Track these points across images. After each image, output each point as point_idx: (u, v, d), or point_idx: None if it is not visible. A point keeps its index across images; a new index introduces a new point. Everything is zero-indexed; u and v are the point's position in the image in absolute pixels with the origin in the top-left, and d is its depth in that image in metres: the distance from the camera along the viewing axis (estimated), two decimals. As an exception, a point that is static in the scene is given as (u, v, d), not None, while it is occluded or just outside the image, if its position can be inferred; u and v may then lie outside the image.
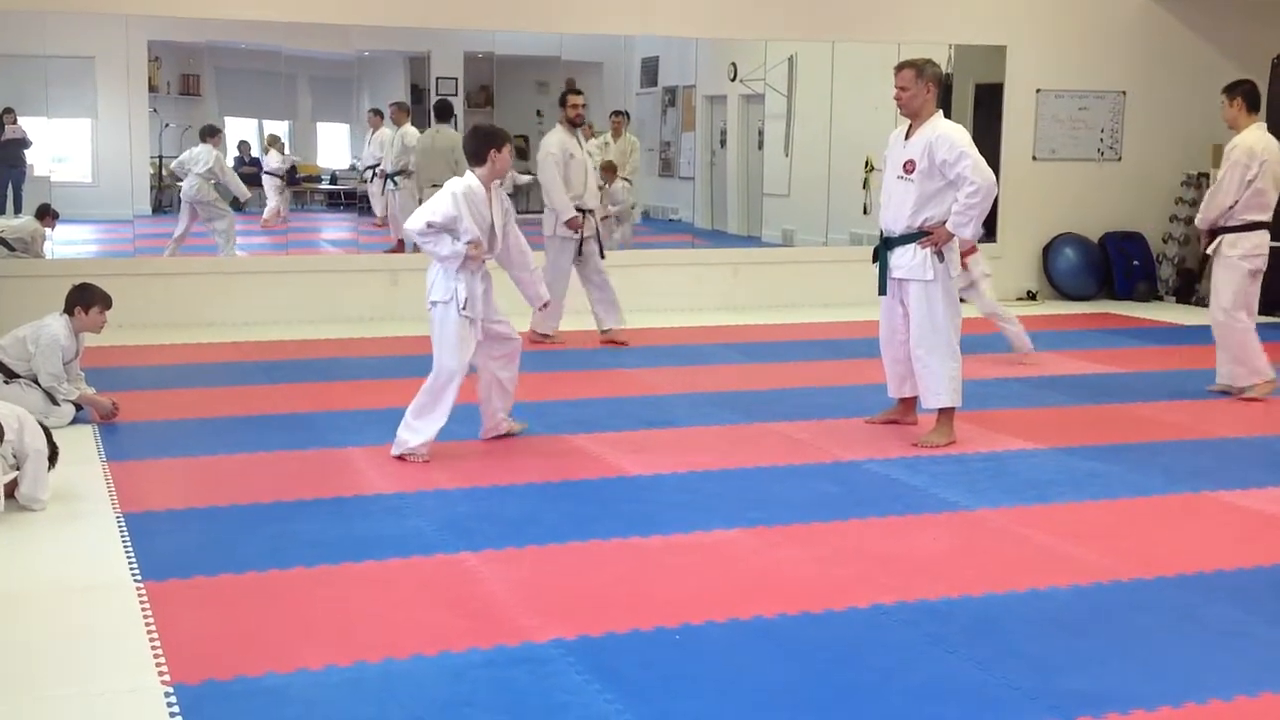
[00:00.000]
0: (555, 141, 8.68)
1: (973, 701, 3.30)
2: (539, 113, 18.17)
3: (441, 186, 5.87)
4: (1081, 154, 11.53)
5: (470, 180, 5.73)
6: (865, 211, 13.16)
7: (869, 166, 13.04)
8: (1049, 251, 11.69)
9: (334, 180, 16.16)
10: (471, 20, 10.52)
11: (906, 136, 6.05)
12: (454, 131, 11.69)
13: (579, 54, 16.11)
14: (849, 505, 5.07)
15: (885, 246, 6.11)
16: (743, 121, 15.50)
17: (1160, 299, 11.70)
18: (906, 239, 5.99)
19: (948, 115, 12.74)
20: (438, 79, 15.71)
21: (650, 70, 15.50)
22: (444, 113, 11.52)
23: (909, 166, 5.95)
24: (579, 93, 9.08)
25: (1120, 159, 11.78)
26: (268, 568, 4.24)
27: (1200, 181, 11.72)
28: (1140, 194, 11.78)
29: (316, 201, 16.52)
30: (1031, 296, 11.66)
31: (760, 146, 15.09)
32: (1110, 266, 11.71)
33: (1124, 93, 11.76)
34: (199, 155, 11.82)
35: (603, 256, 8.89)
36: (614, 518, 4.88)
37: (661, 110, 15.60)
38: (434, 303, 5.82)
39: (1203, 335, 9.69)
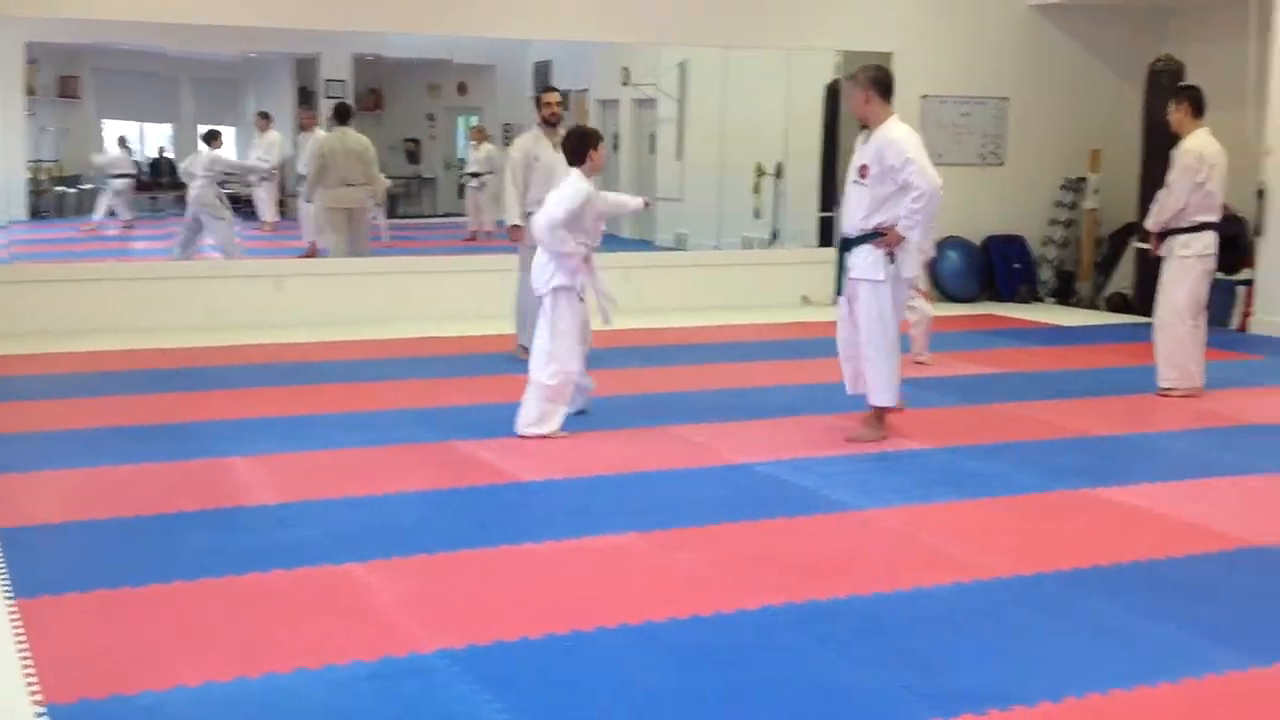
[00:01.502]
0: (519, 144, 8.28)
1: (860, 701, 3.34)
2: (430, 116, 18.08)
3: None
4: (965, 159, 11.76)
5: (582, 180, 6.23)
6: (756, 215, 13.29)
7: (760, 171, 13.17)
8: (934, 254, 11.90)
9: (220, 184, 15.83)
10: (359, 22, 10.37)
11: (863, 142, 6.19)
12: (359, 134, 11.59)
13: (471, 57, 16.07)
14: (740, 508, 5.10)
15: (843, 248, 6.27)
16: (635, 126, 15.55)
17: (1040, 300, 11.98)
18: (862, 240, 6.13)
19: (834, 120, 12.96)
20: (326, 81, 15.53)
21: (544, 74, 15.45)
22: (344, 115, 11.41)
23: (863, 171, 6.12)
24: (553, 90, 8.46)
25: (1002, 164, 12.04)
26: (147, 582, 4.14)
27: (1079, 185, 12.03)
28: (1021, 198, 12.05)
29: (201, 206, 16.13)
30: (919, 298, 11.84)
31: (653, 150, 15.16)
32: (993, 269, 11.97)
33: (1006, 99, 12.02)
34: (200, 158, 11.78)
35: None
36: (505, 524, 4.85)
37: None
38: (556, 289, 6.22)
39: (1080, 335, 9.99)
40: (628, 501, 5.17)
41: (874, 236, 6.08)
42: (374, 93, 17.10)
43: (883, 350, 6.16)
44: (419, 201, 17.57)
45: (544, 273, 6.30)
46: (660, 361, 8.57)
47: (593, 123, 15.53)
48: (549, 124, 8.07)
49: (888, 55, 11.03)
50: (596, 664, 3.56)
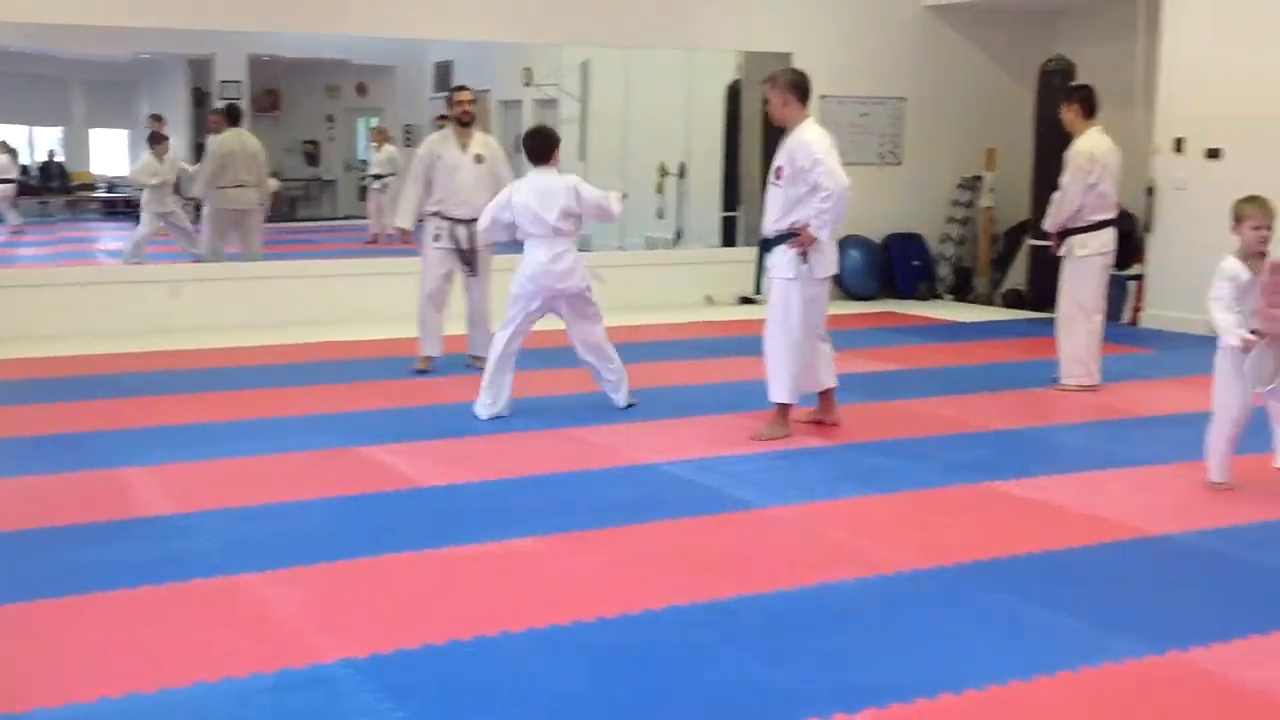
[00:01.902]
0: (427, 142, 8.11)
1: (765, 698, 3.35)
2: (330, 118, 17.84)
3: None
4: (864, 158, 11.87)
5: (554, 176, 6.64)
6: (660, 215, 13.31)
7: (663, 171, 13.19)
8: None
9: (111, 189, 15.52)
10: (254, 22, 10.18)
11: (780, 144, 6.27)
12: (252, 135, 11.42)
13: (371, 57, 15.88)
14: (645, 508, 5.10)
15: (763, 248, 6.35)
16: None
17: (939, 297, 12.15)
18: (779, 240, 6.21)
19: (735, 120, 13.02)
20: (221, 82, 15.24)
21: (445, 74, 15.34)
22: (235, 116, 11.20)
23: (778, 173, 6.20)
24: (465, 88, 8.22)
25: (900, 163, 12.20)
26: (33, 597, 4.02)
27: (975, 184, 12.23)
28: (919, 197, 12.22)
29: (92, 210, 15.83)
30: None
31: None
32: (892, 267, 12.12)
33: (904, 99, 12.18)
34: (149, 164, 11.77)
35: (473, 274, 8.00)
36: (408, 530, 4.80)
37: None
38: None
39: (978, 331, 10.15)
40: (531, 505, 5.14)
41: (790, 237, 6.16)
42: (271, 94, 16.83)
43: (784, 347, 6.23)
44: (319, 204, 17.33)
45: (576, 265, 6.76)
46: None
47: (495, 124, 15.44)
48: (461, 123, 7.92)
49: (787, 56, 11.13)
50: (501, 669, 3.53)
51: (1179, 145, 10.15)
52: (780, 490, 5.37)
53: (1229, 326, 5.16)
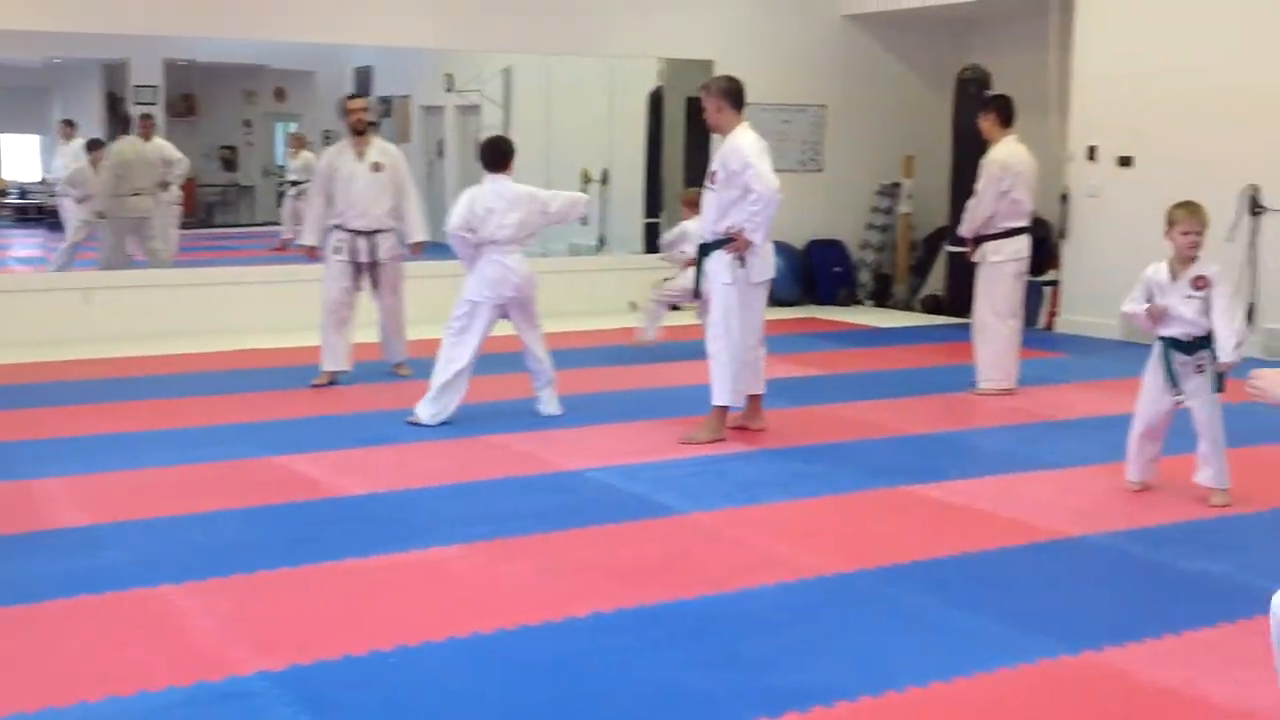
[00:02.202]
0: (324, 154, 8.00)
1: (688, 704, 3.35)
2: (247, 123, 17.62)
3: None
4: (785, 165, 11.89)
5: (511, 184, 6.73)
6: (583, 222, 13.30)
7: (586, 178, 13.19)
8: (759, 259, 12.09)
9: (23, 195, 15.23)
10: (169, 26, 10.03)
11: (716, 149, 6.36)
12: (162, 140, 11.23)
13: (289, 62, 15.70)
14: (569, 515, 5.09)
15: (701, 253, 6.40)
16: (460, 132, 15.41)
17: (860, 303, 12.26)
18: (716, 245, 6.27)
19: (658, 127, 13.03)
20: (136, 87, 14.98)
21: (365, 80, 15.22)
22: (126, 124, 11.05)
23: (712, 177, 6.27)
24: (358, 96, 8.12)
25: (821, 170, 12.30)
26: (-59, 613, 3.92)
27: (894, 191, 12.37)
28: (840, 204, 12.33)
29: (3, 216, 15.50)
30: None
31: (478, 158, 15.01)
32: (814, 273, 12.21)
33: (824, 106, 12.28)
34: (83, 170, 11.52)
35: (375, 286, 7.93)
36: (328, 540, 4.73)
37: (377, 120, 15.33)
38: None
39: (897, 337, 10.25)
40: (453, 513, 5.11)
41: (727, 241, 6.23)
42: (187, 99, 16.59)
43: (725, 351, 6.29)
44: (236, 210, 17.10)
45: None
46: (484, 370, 8.49)
47: (416, 130, 15.36)
48: (356, 132, 7.79)
49: (709, 63, 11.18)
50: (424, 680, 3.50)
51: (1092, 153, 10.34)
52: (704, 496, 5.38)
53: (1133, 314, 5.27)
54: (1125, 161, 10.09)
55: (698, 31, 11.57)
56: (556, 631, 3.83)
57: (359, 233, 7.73)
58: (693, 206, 9.15)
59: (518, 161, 6.96)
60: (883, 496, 5.46)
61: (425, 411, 6.67)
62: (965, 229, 7.80)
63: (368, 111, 7.94)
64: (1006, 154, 7.65)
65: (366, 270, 7.83)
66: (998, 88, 10.98)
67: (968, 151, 10.05)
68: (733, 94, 6.29)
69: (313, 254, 7.99)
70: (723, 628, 3.89)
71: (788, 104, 12.03)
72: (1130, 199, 9.84)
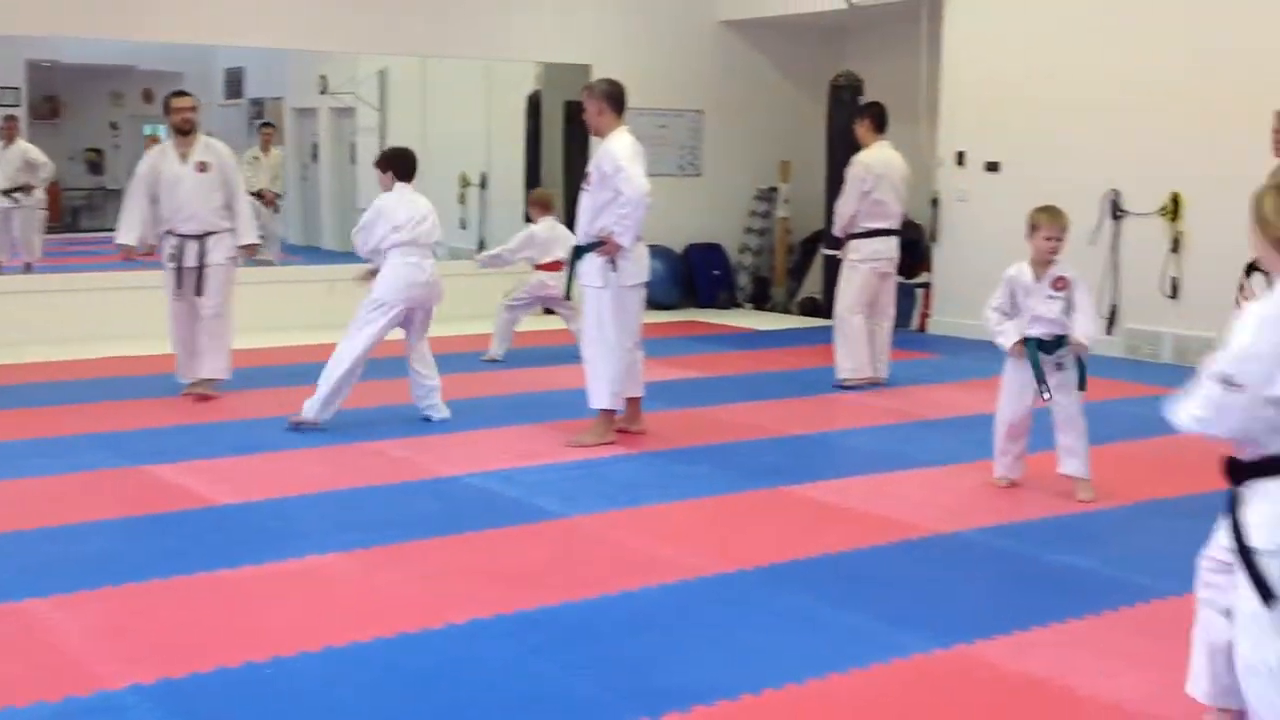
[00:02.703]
0: (146, 156, 7.64)
1: (569, 708, 3.36)
2: (114, 125, 17.15)
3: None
4: (664, 169, 12.02)
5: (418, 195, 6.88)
6: (462, 226, 13.22)
7: (465, 181, 13.12)
8: (638, 263, 12.14)
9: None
10: (31, 25, 9.72)
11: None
12: (26, 143, 10.89)
13: (156, 63, 15.32)
14: (448, 521, 5.05)
15: (574, 255, 6.43)
16: (335, 135, 15.21)
17: (739, 306, 12.39)
18: (589, 248, 6.30)
19: (537, 134, 13.01)
20: (-4, 88, 14.49)
21: (235, 81, 14.94)
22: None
23: (587, 179, 6.30)
24: (185, 94, 7.52)
25: (700, 174, 12.40)
26: None
27: (771, 195, 12.52)
28: (719, 208, 12.44)
29: None
30: (623, 307, 12.06)
31: (354, 160, 14.85)
32: (694, 276, 12.30)
33: (701, 111, 12.38)
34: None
35: (198, 293, 7.37)
36: (200, 550, 4.64)
37: (249, 123, 15.08)
38: None
39: (776, 339, 10.38)
40: (329, 521, 5.04)
41: (600, 244, 6.26)
42: (51, 100, 16.09)
43: (601, 355, 6.31)
44: (103, 214, 16.61)
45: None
46: (362, 375, 8.39)
47: (289, 132, 15.10)
48: (181, 132, 7.37)
49: (586, 68, 11.20)
50: (300, 691, 3.45)
51: (960, 158, 10.59)
52: (582, 499, 5.39)
53: (998, 332, 5.42)
54: (992, 167, 10.36)
55: (575, 35, 11.58)
56: (435, 639, 3.80)
57: (187, 236, 7.34)
58: (541, 207, 9.19)
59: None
60: (761, 497, 5.52)
61: (314, 411, 6.59)
62: (836, 228, 8.15)
63: (195, 111, 7.49)
64: (871, 157, 8.00)
65: (193, 275, 7.36)
66: (870, 94, 11.19)
67: (843, 156, 10.19)
68: (614, 97, 6.33)
69: (130, 255, 7.51)
70: (603, 630, 3.90)
71: (665, 109, 12.10)
72: (997, 203, 10.09)
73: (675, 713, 3.30)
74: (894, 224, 8.09)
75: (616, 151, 6.19)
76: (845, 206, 8.03)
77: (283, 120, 14.98)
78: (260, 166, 12.92)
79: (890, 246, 8.11)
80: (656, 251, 11.92)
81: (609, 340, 6.30)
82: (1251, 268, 6.14)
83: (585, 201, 6.34)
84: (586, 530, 4.98)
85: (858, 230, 8.01)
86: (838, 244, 8.36)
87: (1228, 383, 2.65)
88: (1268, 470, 2.69)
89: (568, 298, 6.50)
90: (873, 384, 8.00)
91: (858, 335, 8.03)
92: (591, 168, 6.30)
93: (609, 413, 6.40)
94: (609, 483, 5.69)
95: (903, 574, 4.54)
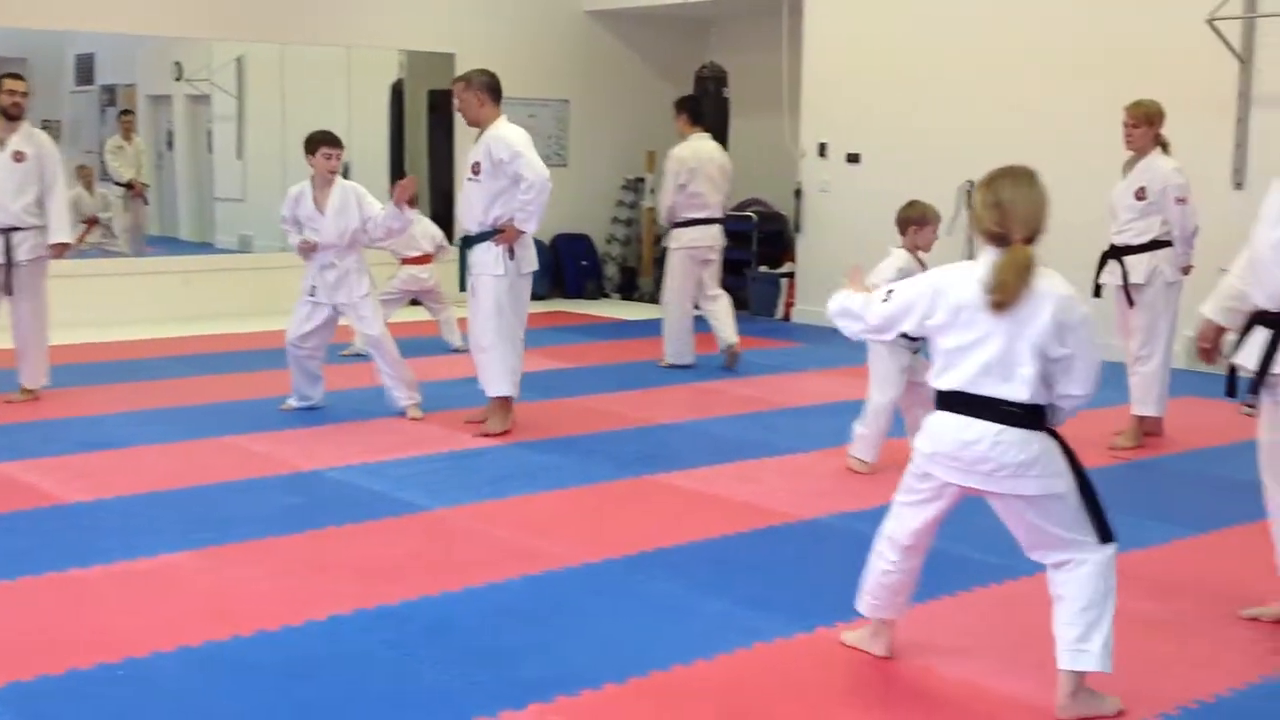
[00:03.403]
0: None
1: (431, 702, 3.32)
2: (-47, 112, 16.49)
3: None
4: (530, 159, 11.97)
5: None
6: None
7: (327, 170, 12.88)
8: (505, 254, 12.07)
9: None
10: None
11: (475, 141, 6.35)
12: None
13: (1, 48, 14.75)
14: (308, 516, 4.96)
15: (465, 245, 6.39)
16: (190, 123, 14.81)
17: (606, 296, 12.41)
18: (483, 237, 6.26)
19: (399, 123, 12.86)
20: None
21: (85, 68, 14.45)
22: None
23: (475, 169, 6.27)
24: (17, 77, 7.11)
25: (566, 165, 12.36)
26: None
27: (638, 185, 12.55)
28: (586, 198, 12.43)
29: None
30: (490, 298, 11.99)
31: (210, 149, 14.50)
32: (561, 266, 12.28)
33: (567, 101, 12.35)
34: None
35: (7, 292, 6.91)
36: (48, 550, 4.48)
37: (100, 110, 14.58)
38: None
39: (642, 329, 10.41)
40: (183, 518, 4.91)
41: (495, 233, 6.25)
42: (-118, 85, 15.38)
43: (498, 344, 6.32)
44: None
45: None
46: (221, 369, 8.22)
47: (143, 120, 14.66)
48: (9, 116, 6.89)
49: (450, 56, 11.10)
50: (154, 692, 3.35)
51: (823, 150, 10.74)
52: (448, 491, 5.34)
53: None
54: (853, 158, 10.53)
55: (438, 23, 11.47)
56: (294, 636, 3.73)
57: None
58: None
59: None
60: (628, 486, 5.53)
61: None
62: (660, 220, 8.53)
63: (26, 96, 7.00)
64: (686, 150, 8.35)
65: (1, 272, 6.87)
66: (735, 85, 11.30)
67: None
68: (493, 88, 6.34)
69: None
70: (467, 623, 3.86)
71: (531, 98, 12.03)
72: (858, 194, 10.27)
73: (538, 704, 3.28)
74: (712, 214, 8.43)
75: (512, 139, 6.20)
76: (664, 199, 8.40)
77: (136, 108, 14.55)
78: (125, 156, 12.52)
79: (708, 234, 8.43)
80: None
81: (507, 328, 6.32)
82: (1112, 252, 6.35)
83: (475, 191, 6.29)
84: (452, 523, 4.93)
85: (679, 220, 8.36)
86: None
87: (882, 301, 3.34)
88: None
89: (462, 289, 6.42)
90: (689, 367, 8.36)
91: (678, 321, 8.37)
92: (480, 157, 6.24)
93: (507, 399, 6.40)
94: (476, 474, 5.65)
95: (766, 559, 4.58)
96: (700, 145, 8.40)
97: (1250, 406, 3.85)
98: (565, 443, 6.29)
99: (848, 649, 3.68)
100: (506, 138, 6.21)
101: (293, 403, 6.86)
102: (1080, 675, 3.20)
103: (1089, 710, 3.23)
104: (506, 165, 6.17)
